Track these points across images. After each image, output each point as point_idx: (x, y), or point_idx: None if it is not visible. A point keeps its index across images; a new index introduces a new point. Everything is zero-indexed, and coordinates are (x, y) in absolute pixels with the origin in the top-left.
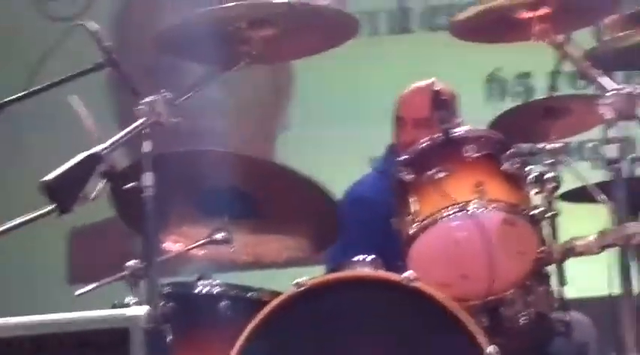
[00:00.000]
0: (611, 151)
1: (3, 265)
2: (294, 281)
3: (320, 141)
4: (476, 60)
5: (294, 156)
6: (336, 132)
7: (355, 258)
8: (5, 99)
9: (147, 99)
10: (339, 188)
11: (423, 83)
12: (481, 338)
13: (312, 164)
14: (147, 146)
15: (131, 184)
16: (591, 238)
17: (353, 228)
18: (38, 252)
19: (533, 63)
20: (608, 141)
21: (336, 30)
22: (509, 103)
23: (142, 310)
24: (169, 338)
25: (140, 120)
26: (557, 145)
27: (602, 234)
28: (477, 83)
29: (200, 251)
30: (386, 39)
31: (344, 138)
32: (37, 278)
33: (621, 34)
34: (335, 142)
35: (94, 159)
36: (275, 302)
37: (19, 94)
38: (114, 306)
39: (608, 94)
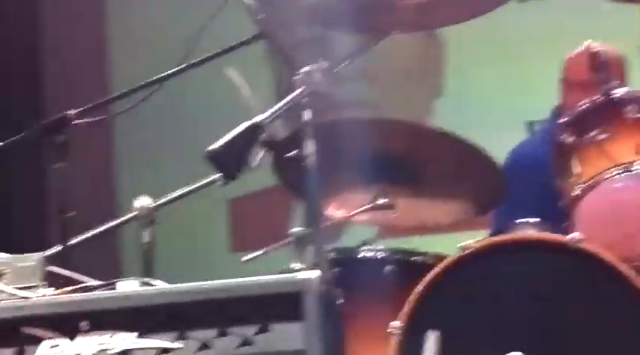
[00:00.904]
0: None
1: (167, 235)
2: (460, 245)
3: (475, 108)
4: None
5: (450, 123)
6: (492, 98)
7: (519, 221)
8: (164, 74)
9: (304, 69)
10: (496, 154)
11: (584, 45)
12: None
13: (467, 131)
14: (307, 115)
15: (293, 153)
16: None
17: (517, 190)
18: (200, 222)
19: None
20: None
21: None
22: None
23: (315, 274)
24: (341, 301)
25: (298, 90)
26: None
27: None
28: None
29: (363, 217)
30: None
31: (500, 104)
32: (201, 248)
33: None
34: (491, 109)
35: (256, 129)
36: (442, 265)
37: (178, 68)
38: (282, 272)
39: None
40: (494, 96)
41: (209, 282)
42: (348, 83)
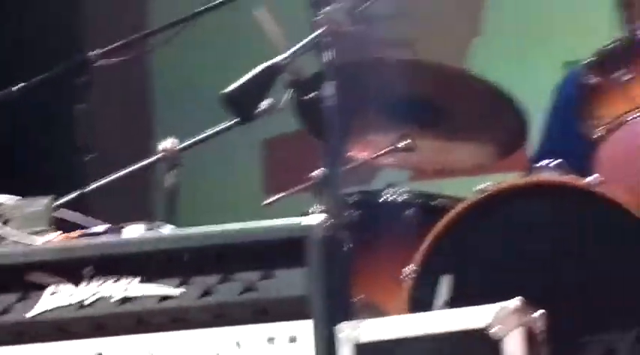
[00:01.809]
0: None
1: (201, 176)
2: (477, 188)
3: (514, 48)
4: None
5: (487, 63)
6: (531, 38)
7: (540, 163)
8: (195, 10)
9: (325, 9)
10: (533, 95)
11: None
12: None
13: (505, 71)
14: (327, 56)
15: (311, 94)
16: None
17: (555, 130)
18: (234, 164)
19: None
20: None
21: None
22: None
23: (318, 219)
24: (348, 246)
25: (319, 30)
26: None
27: None
28: None
29: (388, 159)
30: None
31: (539, 44)
32: (234, 189)
33: None
34: (529, 49)
35: (273, 70)
36: (457, 208)
37: (201, 8)
38: (303, 215)
39: None
40: (534, 35)
41: (211, 228)
42: (383, 21)
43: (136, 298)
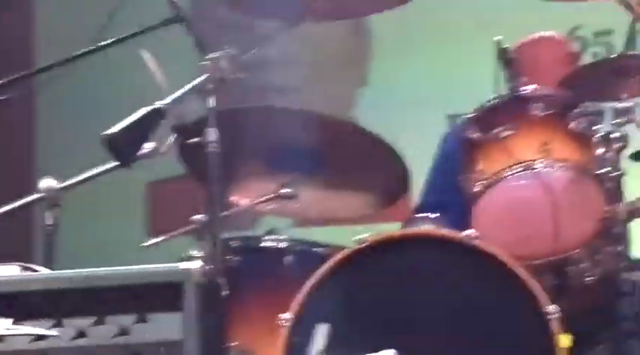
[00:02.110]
0: None
1: (83, 220)
2: (356, 238)
3: (399, 98)
4: (554, 17)
5: (373, 112)
6: (417, 89)
7: (419, 215)
8: (76, 53)
9: (211, 55)
10: (417, 145)
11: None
12: (542, 296)
13: (390, 121)
14: (211, 102)
15: (194, 139)
16: None
17: (438, 183)
18: (118, 207)
19: (614, 21)
20: None
21: None
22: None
23: (196, 264)
24: (225, 292)
25: (203, 76)
26: (626, 104)
27: None
28: None
29: (270, 206)
30: None
31: (424, 95)
32: (117, 231)
33: None
34: (415, 99)
35: (156, 114)
36: (336, 258)
37: (90, 48)
38: (181, 259)
39: None
40: (419, 88)
41: (87, 270)
42: (268, 69)
43: (8, 338)
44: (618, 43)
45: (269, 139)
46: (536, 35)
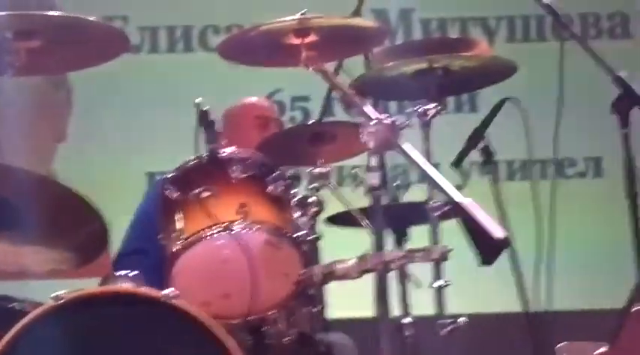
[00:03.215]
0: (373, 178)
1: None
2: (52, 295)
3: (100, 155)
4: (254, 81)
5: (73, 167)
6: (117, 145)
7: (118, 273)
8: None
9: None
10: (118, 202)
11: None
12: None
13: (90, 177)
14: None
15: None
16: (351, 262)
17: (138, 242)
18: None
19: (312, 87)
20: (370, 168)
21: (106, 45)
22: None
23: None
24: None
25: None
26: (322, 169)
27: (361, 258)
28: None
29: None
30: (167, 57)
31: (125, 151)
32: None
33: (389, 64)
34: (115, 155)
35: None
36: (31, 315)
37: None
38: None
39: (371, 123)
40: (118, 145)
41: None
42: None
43: None
44: (315, 109)
45: None
46: (240, 99)
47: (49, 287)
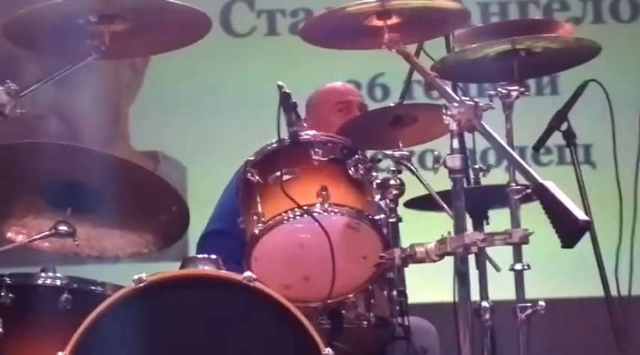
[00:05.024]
0: (454, 161)
1: None
2: (133, 277)
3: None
4: (336, 64)
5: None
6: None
7: (200, 256)
8: None
9: None
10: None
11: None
12: (318, 339)
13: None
14: None
15: None
16: (431, 245)
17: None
18: None
19: (391, 69)
20: (451, 151)
21: (189, 27)
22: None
23: None
24: None
25: None
26: (403, 152)
27: (441, 241)
28: None
29: (44, 243)
30: (248, 39)
31: (203, 133)
32: None
33: (471, 46)
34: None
35: None
36: (113, 297)
37: None
38: None
39: (453, 105)
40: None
41: None
42: (42, 108)
43: None
44: (395, 91)
45: (44, 176)
46: (323, 85)
47: (121, 270)
